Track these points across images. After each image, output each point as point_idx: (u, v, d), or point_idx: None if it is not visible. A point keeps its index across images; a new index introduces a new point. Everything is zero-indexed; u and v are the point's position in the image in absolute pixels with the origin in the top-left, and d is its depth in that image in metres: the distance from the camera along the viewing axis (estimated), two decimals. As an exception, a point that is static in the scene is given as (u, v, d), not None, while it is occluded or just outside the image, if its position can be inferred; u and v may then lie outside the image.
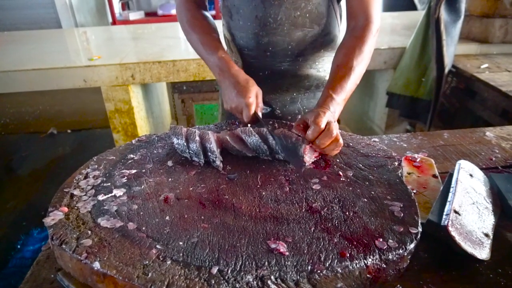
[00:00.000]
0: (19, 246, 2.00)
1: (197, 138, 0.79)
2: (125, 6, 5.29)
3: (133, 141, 0.90)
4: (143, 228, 0.60)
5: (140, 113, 2.16)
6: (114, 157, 0.82)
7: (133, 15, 4.67)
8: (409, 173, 0.84)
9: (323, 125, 0.75)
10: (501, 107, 1.75)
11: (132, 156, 0.83)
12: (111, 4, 4.60)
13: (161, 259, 0.54)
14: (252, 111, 0.86)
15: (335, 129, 0.76)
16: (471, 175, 0.79)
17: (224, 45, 1.03)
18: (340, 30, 1.09)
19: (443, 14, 1.87)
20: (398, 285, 0.58)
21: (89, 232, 0.59)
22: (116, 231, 0.59)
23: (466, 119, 2.04)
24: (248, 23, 1.00)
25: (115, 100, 2.03)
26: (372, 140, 0.98)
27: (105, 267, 0.52)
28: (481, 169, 0.85)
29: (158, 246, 0.56)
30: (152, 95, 2.47)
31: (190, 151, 0.80)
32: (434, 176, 0.84)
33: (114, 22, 4.70)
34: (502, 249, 0.65)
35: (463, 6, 1.89)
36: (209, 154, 0.78)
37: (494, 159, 0.94)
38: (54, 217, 0.63)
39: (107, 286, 0.53)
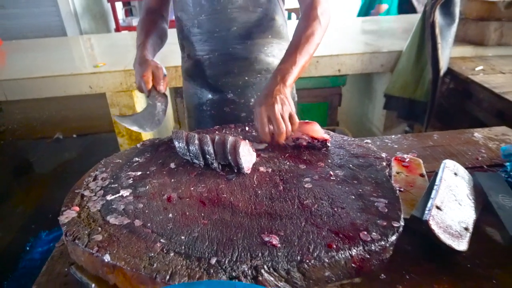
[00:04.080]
0: (28, 248, 2.06)
1: (196, 141, 0.84)
2: (128, 12, 5.38)
3: (138, 145, 0.96)
4: (148, 225, 0.65)
5: (144, 117, 2.22)
6: (120, 160, 0.88)
7: (136, 21, 4.74)
8: (398, 173, 0.89)
9: (267, 137, 0.85)
10: (496, 108, 1.79)
11: (137, 159, 0.88)
12: (114, 11, 4.68)
13: (165, 251, 0.59)
14: (148, 86, 0.95)
15: (281, 124, 0.83)
16: (455, 174, 0.84)
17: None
18: (286, 19, 1.19)
19: (438, 18, 1.92)
20: (382, 275, 0.63)
21: (99, 228, 0.65)
22: (123, 227, 0.65)
23: (463, 120, 2.08)
24: (196, 9, 1.09)
25: (119, 105, 2.10)
26: (364, 142, 1.03)
27: (114, 259, 0.58)
28: (467, 168, 0.90)
29: (162, 240, 0.61)
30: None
31: (190, 154, 0.85)
32: (422, 175, 0.89)
33: (117, 28, 4.79)
34: (480, 242, 0.70)
35: (457, 10, 1.94)
36: (207, 156, 0.83)
37: (480, 158, 0.99)
38: (67, 215, 0.69)
39: (117, 276, 0.59)
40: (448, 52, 1.99)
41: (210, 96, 1.21)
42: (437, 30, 1.91)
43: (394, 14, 3.51)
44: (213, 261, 0.57)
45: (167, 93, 2.92)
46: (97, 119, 3.49)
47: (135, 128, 0.98)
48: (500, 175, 0.86)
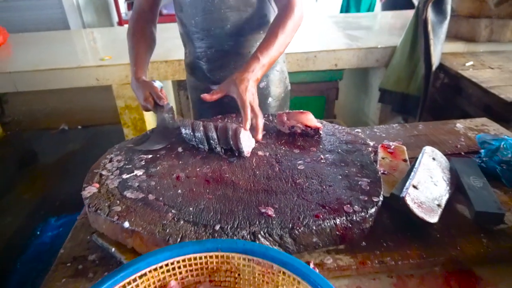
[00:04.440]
0: (38, 233, 2.16)
1: (201, 128, 0.94)
2: (130, 6, 5.45)
3: (148, 132, 1.05)
4: (160, 198, 0.75)
5: (148, 109, 2.31)
6: (132, 145, 0.98)
7: (138, 15, 4.80)
8: (383, 158, 0.99)
9: (259, 137, 0.94)
10: (483, 102, 1.88)
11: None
12: (117, 4, 4.75)
13: (176, 220, 0.69)
14: (152, 106, 1.04)
15: (255, 109, 0.93)
16: (433, 159, 0.93)
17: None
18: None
19: (430, 15, 2.00)
20: (363, 243, 0.73)
21: (118, 201, 0.75)
22: (139, 200, 0.75)
23: (454, 114, 2.17)
24: (193, 10, 1.17)
25: (125, 97, 2.19)
26: (355, 131, 1.12)
27: (133, 225, 0.68)
28: (447, 154, 1.00)
29: (173, 211, 0.71)
30: (159, 92, 2.62)
31: (196, 139, 0.95)
32: (404, 160, 0.98)
33: (120, 22, 4.86)
34: (450, 216, 0.79)
35: (448, 8, 2.02)
36: (211, 141, 0.93)
37: (459, 146, 1.08)
38: (89, 191, 0.79)
39: (134, 240, 0.69)
40: (440, 48, 2.08)
41: (210, 88, 1.30)
42: (430, 27, 2.00)
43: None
44: (217, 227, 0.67)
45: (170, 86, 3.01)
46: (101, 111, 3.59)
47: (158, 147, 0.98)
48: (474, 160, 0.96)
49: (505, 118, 1.73)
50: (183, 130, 0.97)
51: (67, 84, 2.13)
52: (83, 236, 0.78)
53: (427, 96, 2.12)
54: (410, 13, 2.18)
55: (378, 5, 4.29)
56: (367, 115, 2.67)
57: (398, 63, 2.19)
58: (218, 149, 0.92)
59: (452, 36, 2.32)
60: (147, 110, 1.05)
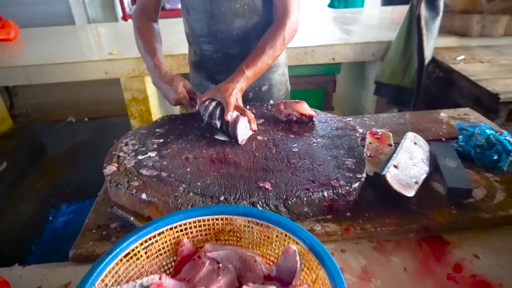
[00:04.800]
0: (51, 218, 2.28)
1: (213, 103, 1.04)
2: (134, 0, 5.53)
3: (158, 120, 1.16)
4: (172, 175, 0.86)
5: (154, 101, 2.42)
6: (145, 131, 1.09)
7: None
8: (370, 143, 1.10)
9: (228, 117, 1.00)
10: (473, 94, 1.98)
11: (158, 130, 1.09)
12: (121, -1, 4.85)
13: (186, 192, 0.80)
14: (187, 99, 1.11)
15: (240, 107, 1.02)
16: (415, 143, 1.04)
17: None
18: None
19: (424, 11, 2.10)
20: (348, 213, 0.84)
21: (135, 178, 0.86)
22: (153, 177, 0.86)
23: (446, 106, 2.25)
24: (200, 16, 1.22)
25: (132, 90, 2.30)
26: (348, 119, 1.23)
27: (149, 197, 0.79)
28: (429, 140, 1.11)
29: (183, 185, 0.82)
30: (164, 85, 2.73)
31: (204, 112, 1.04)
32: (390, 145, 1.09)
33: (124, 17, 4.96)
34: (426, 192, 0.90)
35: (441, 4, 2.11)
36: (216, 118, 1.02)
37: (440, 133, 1.19)
38: (109, 169, 0.90)
39: (150, 210, 0.80)
40: (432, 42, 2.17)
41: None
42: (423, 22, 2.09)
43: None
44: (222, 198, 0.78)
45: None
46: (107, 104, 3.71)
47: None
48: (451, 144, 1.07)
49: (493, 109, 1.83)
50: (198, 106, 1.07)
51: (77, 77, 2.24)
52: (105, 209, 0.90)
53: (420, 88, 2.22)
54: (401, 9, 2.27)
55: (370, 0, 4.35)
56: (364, 107, 2.77)
57: (393, 57, 2.29)
58: (218, 124, 1.02)
59: (445, 31, 2.41)
60: (180, 104, 1.11)
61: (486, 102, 1.88)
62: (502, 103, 1.72)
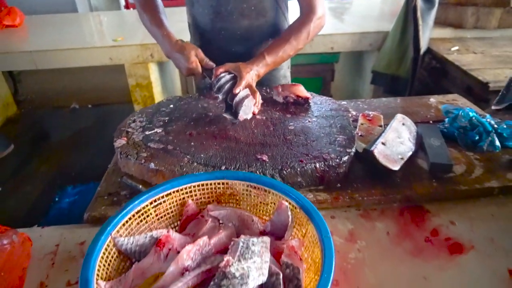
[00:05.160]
0: (57, 199, 2.37)
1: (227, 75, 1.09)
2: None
3: (164, 100, 1.24)
4: (177, 148, 0.94)
5: (157, 87, 2.49)
6: (151, 110, 1.16)
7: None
8: (362, 124, 1.17)
9: (237, 91, 1.03)
10: (465, 84, 2.05)
11: (164, 109, 1.16)
12: (123, -12, 4.88)
13: (190, 162, 0.88)
14: (199, 69, 1.09)
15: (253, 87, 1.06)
16: (403, 124, 1.11)
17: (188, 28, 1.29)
18: (289, 23, 1.30)
19: (420, 2, 2.16)
20: (338, 184, 0.92)
21: (143, 150, 0.94)
22: (160, 149, 0.94)
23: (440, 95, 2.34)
24: (205, 11, 1.20)
25: (136, 76, 2.36)
26: (342, 102, 1.31)
27: (157, 166, 0.87)
28: (417, 123, 1.18)
29: (188, 157, 0.90)
30: (166, 72, 2.80)
31: (215, 81, 1.07)
32: (380, 126, 1.17)
33: (127, 5, 5.00)
34: (411, 168, 0.98)
35: (437, -4, 2.18)
36: (222, 90, 1.07)
37: (428, 116, 1.26)
38: (119, 142, 0.97)
39: (158, 178, 0.88)
40: (428, 33, 2.24)
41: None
42: (419, 14, 2.16)
43: None
44: (223, 168, 0.86)
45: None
46: (110, 91, 3.77)
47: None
48: (437, 126, 1.14)
49: (484, 98, 1.91)
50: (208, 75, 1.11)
51: (83, 63, 2.30)
52: (115, 178, 0.97)
53: (415, 78, 2.29)
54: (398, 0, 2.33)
55: None
56: (361, 95, 2.84)
57: (389, 47, 2.36)
58: (221, 97, 1.07)
59: (441, 22, 2.48)
60: (192, 74, 1.08)
61: (476, 91, 1.95)
62: (492, 91, 1.79)
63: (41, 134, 3.42)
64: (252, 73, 1.08)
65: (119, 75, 2.86)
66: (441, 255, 0.76)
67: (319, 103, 1.20)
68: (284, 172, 0.86)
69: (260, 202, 0.74)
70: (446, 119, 1.17)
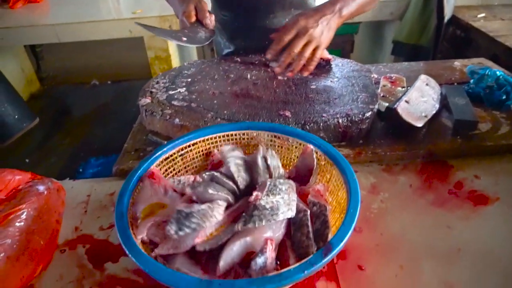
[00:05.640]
0: (81, 170, 2.44)
1: None
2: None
3: (185, 64, 1.25)
4: (201, 106, 0.96)
5: (176, 59, 2.51)
6: (174, 73, 1.18)
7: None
8: (384, 85, 1.16)
9: (284, 41, 0.90)
10: (491, 51, 1.99)
11: (186, 72, 1.18)
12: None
13: (214, 118, 0.90)
14: (191, 20, 0.96)
15: (296, 47, 0.90)
16: (427, 84, 1.10)
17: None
18: None
19: (445, -33, 2.08)
20: (360, 141, 0.92)
21: (168, 107, 0.95)
22: (184, 107, 0.95)
23: (464, 65, 2.28)
24: None
25: (155, 48, 2.38)
26: (366, 66, 1.29)
27: (181, 121, 0.89)
28: (440, 84, 1.16)
29: (211, 113, 0.92)
30: (184, 45, 2.80)
31: None
32: (402, 87, 1.15)
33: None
34: (435, 125, 0.97)
35: (463, -40, 2.09)
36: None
37: (453, 78, 1.24)
38: (144, 101, 0.99)
39: (182, 133, 0.90)
40: (452, 1, 2.17)
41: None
42: (443, -21, 2.09)
43: None
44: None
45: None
46: (129, 67, 3.80)
47: (168, 38, 0.94)
48: (462, 87, 1.12)
49: (510, 65, 1.85)
50: None
51: (104, 36, 2.33)
52: (140, 136, 1.00)
53: (438, 47, 2.23)
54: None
55: None
56: (382, 68, 2.79)
57: (412, 15, 2.29)
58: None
59: (467, -12, 2.39)
60: (185, 25, 0.97)
61: (503, 59, 1.89)
62: (520, 58, 1.73)
63: (64, 109, 3.50)
64: (324, 20, 0.89)
65: (138, 52, 2.88)
66: (465, 206, 0.76)
67: (340, 65, 1.18)
68: (307, 127, 0.86)
69: (285, 152, 0.76)
70: (471, 80, 1.14)
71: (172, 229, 0.51)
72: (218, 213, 0.54)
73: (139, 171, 0.65)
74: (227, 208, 0.57)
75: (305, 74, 0.98)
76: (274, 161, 0.64)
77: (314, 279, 0.63)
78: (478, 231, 0.71)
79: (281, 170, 0.66)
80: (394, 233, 0.71)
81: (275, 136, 0.75)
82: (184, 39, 0.93)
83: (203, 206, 0.53)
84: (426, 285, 0.62)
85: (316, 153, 0.68)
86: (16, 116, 1.27)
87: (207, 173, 0.63)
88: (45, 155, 2.71)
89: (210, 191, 0.56)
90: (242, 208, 0.57)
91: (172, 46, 2.43)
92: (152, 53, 2.39)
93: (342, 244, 0.49)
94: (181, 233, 0.51)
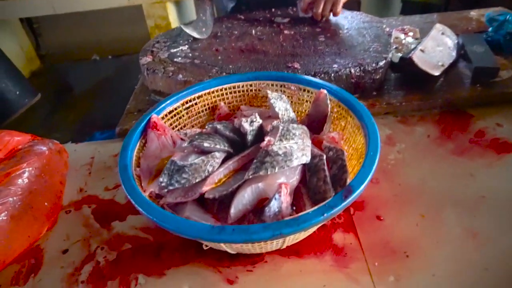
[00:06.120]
0: (86, 144, 2.42)
1: None
2: None
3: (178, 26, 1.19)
4: (205, 62, 0.91)
5: (176, 28, 2.43)
6: (174, 31, 1.12)
7: None
8: (396, 37, 1.10)
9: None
10: (505, 5, 1.89)
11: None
12: None
13: (219, 73, 0.85)
14: None
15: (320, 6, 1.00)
16: (442, 33, 1.04)
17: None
18: None
19: None
20: (374, 92, 0.87)
21: (170, 65, 0.91)
22: (187, 63, 0.91)
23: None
24: None
25: (155, 17, 2.30)
26: (377, 18, 1.22)
27: (185, 77, 0.84)
28: (457, 34, 1.10)
29: (216, 68, 0.87)
30: (184, 12, 2.72)
31: None
32: (416, 38, 1.09)
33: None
34: (452, 74, 0.92)
35: None
36: None
37: (470, 28, 1.17)
38: (145, 60, 0.95)
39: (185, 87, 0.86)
40: (465, -48, 2.05)
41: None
42: None
43: None
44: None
45: (192, 6, 3.07)
46: (129, 41, 3.72)
47: (195, 34, 1.04)
48: (480, 35, 1.06)
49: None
50: None
51: (101, 5, 2.25)
52: (143, 97, 0.96)
53: (449, 4, 2.13)
54: None
55: None
56: (389, 31, 2.69)
57: (422, -29, 2.19)
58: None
59: None
60: None
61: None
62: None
63: (66, 85, 3.45)
64: None
65: (137, 25, 2.80)
66: (487, 154, 0.72)
67: (350, 17, 1.12)
68: (318, 78, 0.81)
69: (295, 102, 0.71)
70: (490, 28, 1.08)
71: (164, 181, 0.49)
72: (212, 166, 0.51)
73: (142, 124, 0.61)
74: (229, 158, 0.53)
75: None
76: (282, 104, 0.60)
77: (331, 231, 0.60)
78: (503, 178, 0.67)
79: (292, 114, 0.62)
80: (413, 183, 0.67)
81: (284, 86, 0.70)
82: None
83: (197, 160, 0.50)
84: (450, 233, 0.58)
85: (330, 100, 0.64)
86: (18, 92, 1.24)
87: (210, 125, 0.59)
88: (50, 131, 2.69)
89: (206, 144, 0.52)
90: (253, 155, 0.53)
91: (172, 13, 2.35)
92: (152, 21, 2.32)
93: (363, 186, 0.46)
94: (170, 187, 0.49)
